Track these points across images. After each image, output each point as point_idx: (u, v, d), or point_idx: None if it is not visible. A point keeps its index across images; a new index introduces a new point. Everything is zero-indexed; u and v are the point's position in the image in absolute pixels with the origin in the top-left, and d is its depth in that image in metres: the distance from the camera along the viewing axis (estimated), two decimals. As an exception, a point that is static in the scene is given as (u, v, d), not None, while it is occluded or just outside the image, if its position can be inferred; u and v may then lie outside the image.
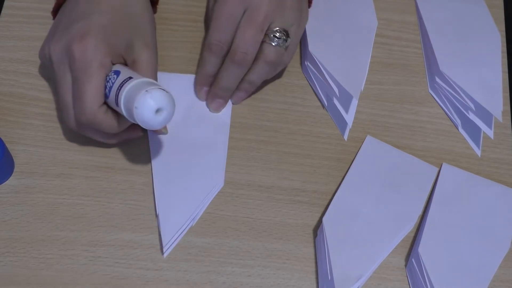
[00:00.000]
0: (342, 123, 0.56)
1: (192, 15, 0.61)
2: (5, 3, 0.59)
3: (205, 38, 0.57)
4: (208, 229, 0.51)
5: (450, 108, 0.58)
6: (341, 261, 0.48)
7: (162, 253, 0.49)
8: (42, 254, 0.49)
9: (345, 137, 0.56)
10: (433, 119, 0.58)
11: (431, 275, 0.48)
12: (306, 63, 0.58)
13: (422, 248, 0.49)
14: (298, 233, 0.51)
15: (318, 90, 0.57)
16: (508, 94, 0.59)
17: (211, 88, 0.55)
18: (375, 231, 0.50)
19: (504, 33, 0.63)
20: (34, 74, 0.56)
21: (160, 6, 0.61)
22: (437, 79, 0.58)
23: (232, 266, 0.50)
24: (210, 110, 0.55)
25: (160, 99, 0.44)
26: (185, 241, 0.50)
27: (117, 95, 0.46)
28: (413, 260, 0.50)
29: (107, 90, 0.47)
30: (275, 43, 0.51)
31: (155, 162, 0.52)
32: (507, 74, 0.60)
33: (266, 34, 0.51)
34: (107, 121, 0.48)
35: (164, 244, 0.49)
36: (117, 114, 0.48)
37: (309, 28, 0.57)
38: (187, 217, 0.50)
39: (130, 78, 0.46)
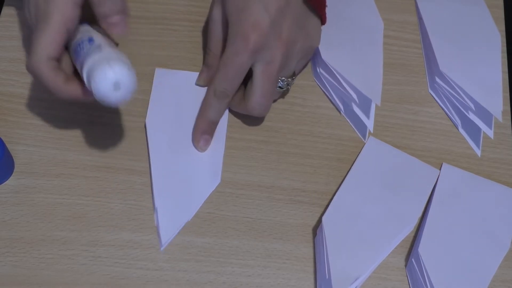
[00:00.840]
0: (361, 127, 0.56)
1: (192, 15, 0.61)
2: (5, 3, 0.59)
3: (205, 49, 0.57)
4: (208, 229, 0.51)
5: (450, 108, 0.58)
6: (340, 260, 0.48)
7: (161, 247, 0.49)
8: (42, 254, 0.49)
9: (365, 141, 0.56)
10: (433, 119, 0.58)
11: (431, 275, 0.48)
12: (318, 70, 0.58)
13: (422, 248, 0.49)
14: (298, 233, 0.51)
15: (333, 96, 0.57)
16: (508, 94, 0.59)
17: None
18: (374, 232, 0.50)
19: (504, 33, 0.63)
20: (34, 74, 0.56)
21: (160, 6, 0.61)
22: (437, 79, 0.58)
23: (232, 266, 0.50)
24: (198, 148, 0.54)
25: (120, 73, 0.42)
26: (185, 241, 0.50)
27: (81, 63, 0.45)
28: (413, 260, 0.50)
29: (76, 56, 0.46)
30: (278, 89, 0.53)
31: (153, 157, 0.52)
32: (507, 74, 0.60)
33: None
34: (52, 79, 0.45)
35: (162, 239, 0.49)
36: (78, 79, 0.46)
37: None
38: (185, 212, 0.50)
39: (100, 47, 0.44)
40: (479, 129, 0.57)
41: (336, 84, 0.56)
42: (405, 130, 0.57)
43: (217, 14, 0.53)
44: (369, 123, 0.56)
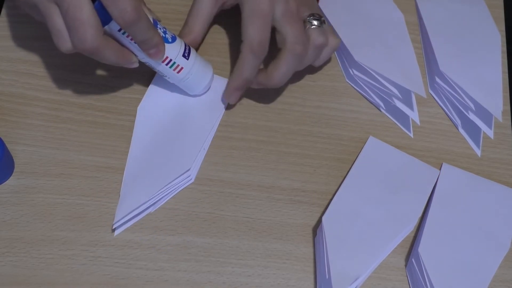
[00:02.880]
0: (405, 121, 0.57)
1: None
2: (5, 3, 0.59)
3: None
4: (208, 229, 0.51)
5: (450, 108, 0.58)
6: (339, 260, 0.48)
7: (112, 231, 0.49)
8: (42, 254, 0.49)
9: (411, 134, 0.57)
10: (433, 119, 0.58)
11: (431, 275, 0.48)
12: (352, 72, 0.58)
13: (422, 248, 0.49)
14: (298, 233, 0.51)
15: (371, 96, 0.58)
16: (508, 94, 0.59)
17: (259, 82, 0.54)
18: (374, 232, 0.50)
19: (504, 33, 0.63)
20: (34, 74, 0.56)
21: (160, 6, 0.61)
22: (437, 79, 0.58)
23: (232, 266, 0.50)
24: (229, 101, 0.55)
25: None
26: (185, 241, 0.50)
27: (187, 55, 0.51)
28: (413, 260, 0.50)
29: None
30: (316, 26, 0.53)
31: (134, 143, 0.53)
32: (507, 74, 0.60)
33: (304, 22, 0.53)
34: (114, 47, 0.47)
35: (115, 221, 0.49)
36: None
37: (345, 38, 0.57)
38: (144, 202, 0.50)
39: (190, 50, 0.52)
40: (479, 129, 0.57)
41: (374, 83, 0.57)
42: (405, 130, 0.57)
43: None
44: (414, 115, 0.57)
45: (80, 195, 0.51)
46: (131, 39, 0.48)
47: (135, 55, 0.49)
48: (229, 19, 0.59)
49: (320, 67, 0.59)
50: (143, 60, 0.50)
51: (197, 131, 0.54)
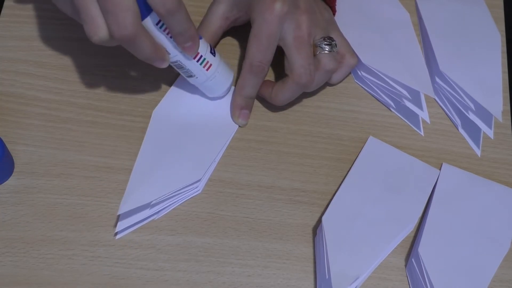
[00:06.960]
0: (415, 121, 0.57)
1: (192, 15, 0.60)
2: (5, 3, 0.59)
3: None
4: (208, 229, 0.51)
5: (450, 108, 0.58)
6: (339, 260, 0.48)
7: (115, 235, 0.49)
8: (42, 254, 0.49)
9: (422, 132, 0.57)
10: (433, 119, 0.58)
11: (431, 275, 0.48)
12: (360, 73, 0.58)
13: (422, 248, 0.49)
14: (298, 233, 0.51)
15: (381, 96, 0.58)
16: (508, 94, 0.59)
17: (263, 96, 0.55)
18: (374, 232, 0.50)
19: (504, 33, 0.63)
20: (34, 74, 0.56)
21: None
22: (437, 79, 0.58)
23: (232, 266, 0.50)
24: (238, 123, 0.55)
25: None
26: (185, 241, 0.50)
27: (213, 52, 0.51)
28: (413, 260, 0.50)
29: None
30: (327, 50, 0.52)
31: (145, 145, 0.52)
32: (507, 74, 0.60)
33: (315, 47, 0.52)
34: (151, 39, 0.46)
35: (118, 226, 0.49)
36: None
37: (352, 40, 0.57)
38: (150, 209, 0.50)
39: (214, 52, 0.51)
40: (479, 129, 0.57)
41: (383, 84, 0.57)
42: (405, 130, 0.57)
43: (221, 9, 0.55)
44: (424, 115, 0.58)
45: (80, 195, 0.51)
46: (168, 33, 0.47)
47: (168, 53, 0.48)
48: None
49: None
50: (173, 59, 0.49)
51: (211, 143, 0.54)
